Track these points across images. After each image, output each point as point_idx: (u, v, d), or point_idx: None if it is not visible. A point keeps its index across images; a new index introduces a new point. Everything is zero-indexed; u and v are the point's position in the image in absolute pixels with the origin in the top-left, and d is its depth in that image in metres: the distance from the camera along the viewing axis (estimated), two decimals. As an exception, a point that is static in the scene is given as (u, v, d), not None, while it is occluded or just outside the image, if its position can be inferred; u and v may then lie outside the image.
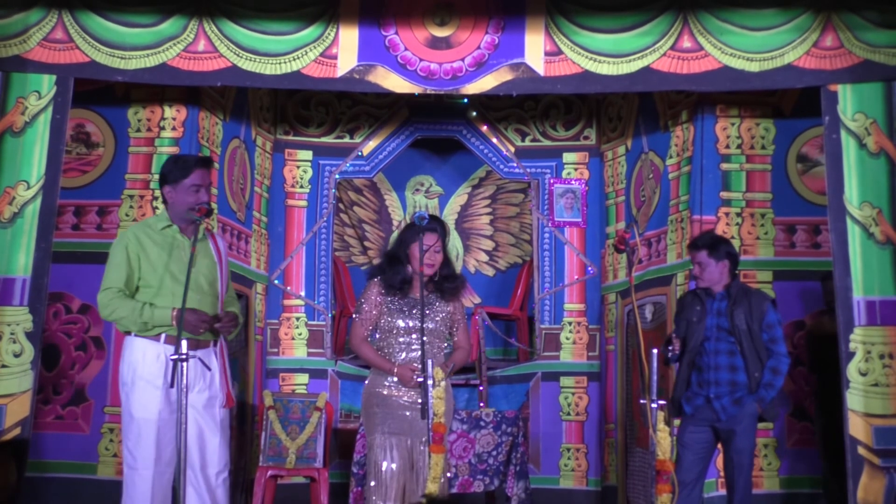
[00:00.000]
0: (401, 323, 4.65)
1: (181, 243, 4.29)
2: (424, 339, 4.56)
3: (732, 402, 5.04)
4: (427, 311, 4.65)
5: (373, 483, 4.56)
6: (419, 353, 4.58)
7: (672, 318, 5.64)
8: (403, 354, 4.66)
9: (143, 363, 4.20)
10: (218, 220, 6.34)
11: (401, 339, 4.67)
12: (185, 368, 3.97)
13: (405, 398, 4.62)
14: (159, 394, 4.16)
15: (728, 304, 5.12)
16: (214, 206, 6.16)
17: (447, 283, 4.74)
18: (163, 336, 4.19)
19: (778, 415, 5.26)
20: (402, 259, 4.71)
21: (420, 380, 4.42)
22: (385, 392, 4.64)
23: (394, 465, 4.55)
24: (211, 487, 4.23)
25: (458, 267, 7.45)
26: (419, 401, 4.47)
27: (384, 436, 4.59)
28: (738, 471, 5.07)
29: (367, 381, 4.77)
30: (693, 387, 5.15)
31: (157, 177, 5.93)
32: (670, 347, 5.15)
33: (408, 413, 4.59)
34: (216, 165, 6.35)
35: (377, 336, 4.77)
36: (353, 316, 4.79)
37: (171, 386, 4.00)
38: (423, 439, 4.50)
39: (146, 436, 4.12)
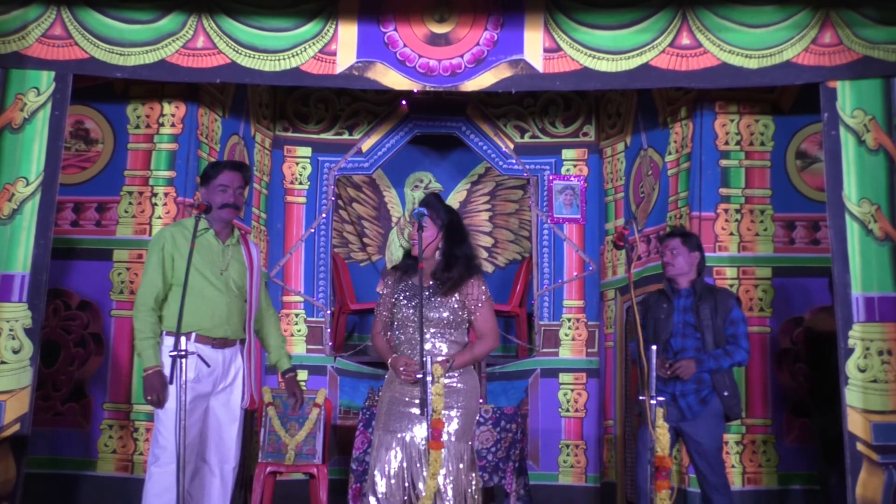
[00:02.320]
0: (406, 312, 4.47)
1: (211, 245, 4.46)
2: (426, 330, 4.39)
3: (698, 400, 5.05)
4: (431, 300, 4.42)
5: (375, 479, 4.41)
6: (432, 345, 4.40)
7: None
8: (416, 345, 4.41)
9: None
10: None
11: (410, 331, 4.45)
12: (184, 365, 4.05)
13: (408, 396, 4.42)
14: (173, 389, 4.23)
15: (693, 301, 5.15)
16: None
17: (444, 272, 4.43)
18: (193, 335, 4.33)
19: (740, 413, 5.26)
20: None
21: (419, 376, 4.26)
22: (391, 387, 4.51)
23: (394, 464, 4.40)
24: (226, 481, 4.41)
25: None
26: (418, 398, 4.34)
27: (383, 433, 4.45)
28: (705, 473, 5.06)
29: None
30: (658, 384, 5.13)
31: (156, 173, 6.16)
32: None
33: (409, 410, 4.41)
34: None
35: (395, 330, 4.58)
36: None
37: (171, 382, 4.08)
38: (424, 437, 4.33)
39: (166, 431, 4.26)
